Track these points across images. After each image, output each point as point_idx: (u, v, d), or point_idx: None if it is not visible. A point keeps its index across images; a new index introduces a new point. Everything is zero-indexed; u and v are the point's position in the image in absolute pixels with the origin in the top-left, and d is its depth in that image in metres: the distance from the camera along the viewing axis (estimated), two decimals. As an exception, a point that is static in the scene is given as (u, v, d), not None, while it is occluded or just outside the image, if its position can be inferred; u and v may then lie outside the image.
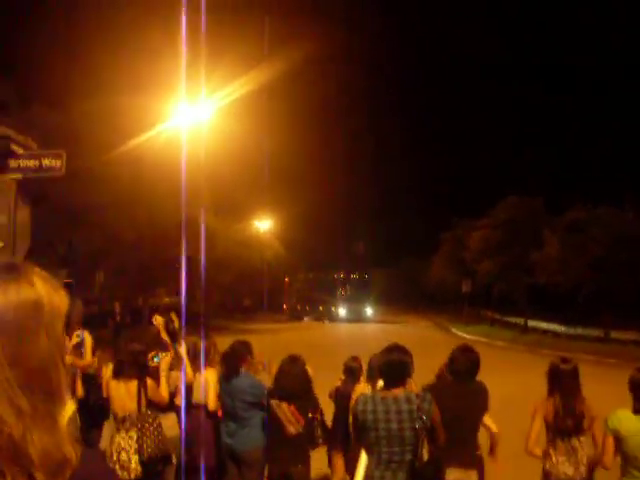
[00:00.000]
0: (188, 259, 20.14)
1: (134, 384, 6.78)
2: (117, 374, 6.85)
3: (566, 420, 5.85)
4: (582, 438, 5.85)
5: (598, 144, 68.59)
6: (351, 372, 8.17)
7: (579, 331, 35.99)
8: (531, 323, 41.76)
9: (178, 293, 30.45)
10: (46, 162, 7.71)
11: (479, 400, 6.00)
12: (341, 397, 7.60)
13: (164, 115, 22.54)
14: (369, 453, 5.24)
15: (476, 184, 76.36)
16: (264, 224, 49.29)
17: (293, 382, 6.76)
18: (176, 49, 18.99)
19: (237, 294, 53.71)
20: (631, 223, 36.96)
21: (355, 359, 8.38)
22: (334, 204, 56.63)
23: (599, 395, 6.81)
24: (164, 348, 8.76)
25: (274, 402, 6.68)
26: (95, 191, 22.39)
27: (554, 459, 5.91)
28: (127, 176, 23.46)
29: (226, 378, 7.41)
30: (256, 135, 36.00)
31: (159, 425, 6.93)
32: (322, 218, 63.95)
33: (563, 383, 5.98)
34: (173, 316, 9.79)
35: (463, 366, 6.01)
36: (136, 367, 6.88)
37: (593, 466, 5.73)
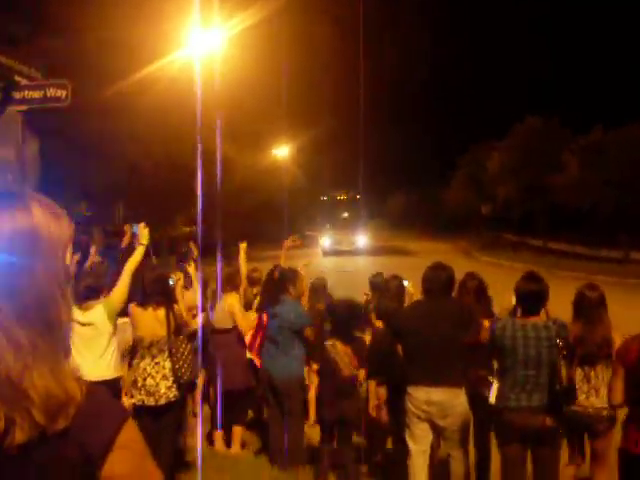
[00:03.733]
0: (204, 188, 20.15)
1: (162, 310, 6.80)
2: (144, 301, 6.86)
3: (585, 347, 5.82)
4: (605, 365, 5.80)
5: (619, 65, 67.35)
6: (376, 287, 8.31)
7: (599, 252, 35.85)
8: (551, 245, 41.60)
9: (196, 223, 30.52)
10: (51, 92, 7.63)
11: (453, 317, 5.95)
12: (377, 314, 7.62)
13: (178, 43, 22.24)
14: (504, 375, 5.55)
15: (496, 106, 75.14)
16: (282, 151, 48.98)
17: (348, 323, 6.90)
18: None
19: (258, 222, 53.82)
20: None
21: (378, 274, 8.57)
22: (352, 128, 55.65)
23: (621, 317, 6.78)
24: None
25: (329, 343, 6.74)
26: (110, 122, 22.27)
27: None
28: (142, 106, 23.26)
29: (271, 304, 7.56)
30: (273, 62, 35.47)
31: (191, 349, 7.00)
32: (341, 142, 63.10)
33: (588, 310, 5.95)
34: (192, 245, 9.87)
35: (434, 284, 5.99)
36: (163, 294, 6.92)
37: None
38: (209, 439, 8.46)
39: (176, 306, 7.06)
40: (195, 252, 9.66)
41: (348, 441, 6.89)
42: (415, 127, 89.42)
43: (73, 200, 25.92)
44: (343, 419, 6.75)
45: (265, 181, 43.16)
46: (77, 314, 6.41)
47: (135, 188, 28.51)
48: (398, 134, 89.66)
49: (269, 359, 7.53)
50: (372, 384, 7.04)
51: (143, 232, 6.82)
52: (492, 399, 5.71)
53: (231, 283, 8.26)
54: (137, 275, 6.92)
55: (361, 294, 8.92)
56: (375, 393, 7.05)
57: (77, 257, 8.62)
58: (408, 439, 6.06)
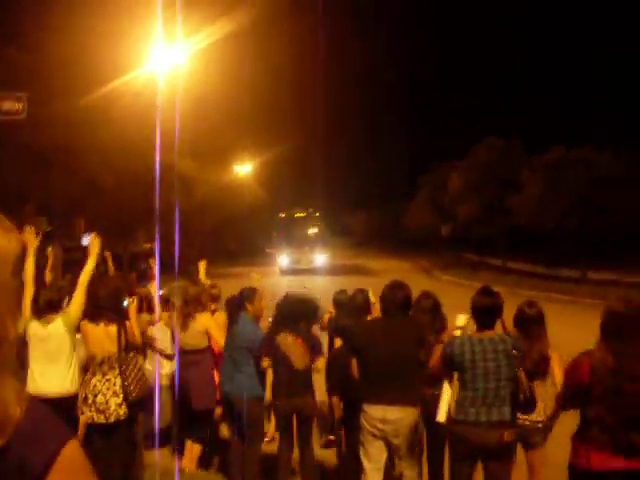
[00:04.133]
0: (166, 204, 20.06)
1: (113, 327, 6.78)
2: (95, 317, 6.82)
3: (526, 363, 5.88)
4: (540, 381, 5.95)
5: (576, 85, 68.46)
6: (339, 305, 8.33)
7: (558, 272, 36.22)
8: (510, 264, 41.94)
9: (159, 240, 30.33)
10: (6, 105, 7.55)
11: (410, 336, 6.01)
12: (335, 330, 7.65)
13: (140, 58, 22.18)
14: (463, 390, 5.57)
15: (455, 127, 75.89)
16: (244, 168, 48.89)
17: (296, 310, 6.96)
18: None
19: (219, 239, 53.59)
20: (607, 163, 37.09)
21: (342, 291, 8.60)
22: (314, 147, 55.84)
23: (574, 336, 6.87)
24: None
25: (280, 336, 6.74)
26: (71, 136, 22.10)
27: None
28: (103, 121, 23.14)
29: (231, 322, 7.60)
30: (236, 78, 35.52)
31: (141, 367, 7.00)
32: (302, 160, 63.25)
33: (528, 327, 6.07)
34: (152, 262, 9.84)
35: (392, 304, 6.04)
36: (115, 310, 6.91)
37: (555, 407, 5.78)
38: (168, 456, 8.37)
39: (128, 323, 7.02)
40: (154, 269, 9.62)
41: (307, 441, 6.88)
42: (377, 146, 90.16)
43: (33, 214, 25.61)
44: (299, 414, 6.75)
45: (227, 198, 42.99)
46: (37, 328, 6.48)
47: (96, 203, 28.26)
48: (361, 152, 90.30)
49: (226, 377, 7.51)
50: (335, 399, 7.07)
51: (94, 242, 6.86)
52: (441, 417, 5.74)
53: (199, 303, 8.20)
54: (92, 288, 6.92)
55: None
56: (338, 407, 7.09)
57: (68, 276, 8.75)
58: (362, 457, 6.07)
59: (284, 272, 42.15)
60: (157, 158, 19.25)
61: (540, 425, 5.91)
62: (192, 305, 8.03)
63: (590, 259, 34.65)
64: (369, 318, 7.19)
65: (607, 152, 37.64)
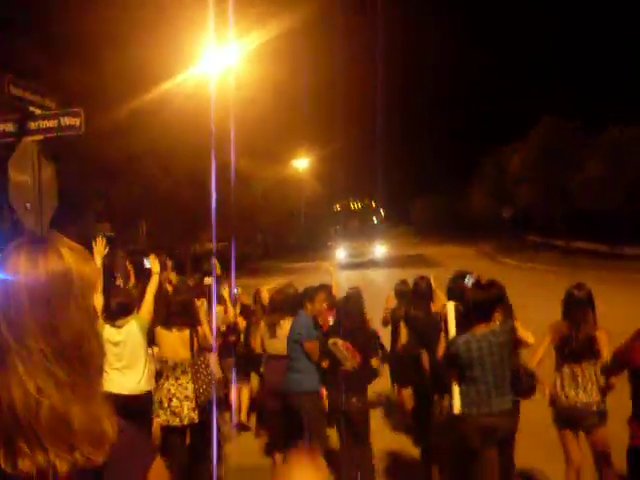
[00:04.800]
0: (221, 205, 20.29)
1: (186, 332, 7.02)
2: (169, 323, 7.08)
3: (572, 345, 5.96)
4: (590, 363, 5.94)
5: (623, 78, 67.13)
6: (402, 295, 8.35)
7: (622, 250, 35.65)
8: (573, 245, 41.41)
9: (222, 239, 30.64)
10: (65, 121, 7.77)
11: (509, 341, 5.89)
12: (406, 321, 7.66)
13: (193, 60, 22.48)
14: (473, 385, 5.67)
15: (513, 108, 74.90)
16: (302, 163, 49.11)
17: (346, 319, 6.96)
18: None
19: (281, 235, 53.97)
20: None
21: (403, 282, 8.62)
22: (370, 138, 55.65)
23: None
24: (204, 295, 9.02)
25: (331, 340, 6.83)
26: (127, 143, 22.49)
27: (556, 386, 6.07)
28: (158, 125, 23.49)
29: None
30: (289, 78, 35.67)
31: (211, 371, 7.23)
32: (359, 152, 63.11)
33: (575, 309, 6.08)
34: (215, 262, 10.01)
35: (483, 306, 5.86)
36: (187, 316, 7.13)
37: (604, 390, 5.85)
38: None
39: (200, 328, 7.22)
40: (218, 268, 9.81)
41: (361, 440, 6.93)
42: (434, 133, 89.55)
43: (94, 222, 26.19)
44: (347, 414, 6.79)
45: (286, 193, 43.30)
46: (111, 333, 6.71)
47: (156, 206, 28.71)
48: (417, 140, 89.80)
49: (285, 376, 7.51)
50: (406, 392, 7.13)
51: (154, 263, 7.20)
52: (456, 410, 5.81)
53: (284, 307, 8.08)
54: (159, 300, 7.31)
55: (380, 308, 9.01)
56: (409, 400, 7.14)
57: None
58: None
59: (343, 266, 39.15)
60: (213, 157, 19.48)
61: (594, 407, 5.89)
62: (278, 312, 8.03)
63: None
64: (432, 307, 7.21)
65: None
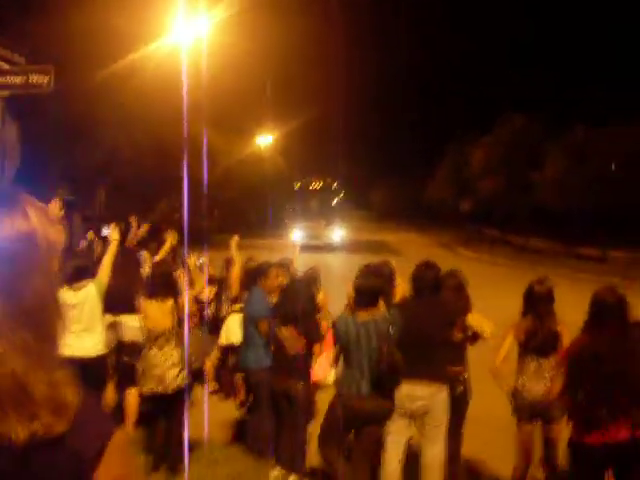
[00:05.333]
0: (189, 177, 20.06)
1: (168, 303, 7.08)
2: (151, 295, 7.13)
3: (537, 339, 6.03)
4: (553, 358, 5.99)
5: (604, 64, 67.81)
6: None
7: (578, 250, 36.10)
8: (531, 242, 41.84)
9: (178, 210, 30.38)
10: (33, 79, 7.56)
11: (440, 316, 6.16)
12: None
13: (164, 30, 22.14)
14: (348, 365, 6.03)
15: (480, 99, 75.22)
16: (266, 140, 48.77)
17: (290, 302, 6.94)
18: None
19: (239, 210, 53.69)
20: (630, 140, 36.82)
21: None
22: (335, 119, 55.51)
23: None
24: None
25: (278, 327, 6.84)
26: (93, 107, 22.16)
27: (522, 378, 6.11)
28: (126, 93, 23.16)
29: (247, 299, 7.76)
30: (257, 52, 35.37)
31: (200, 338, 7.69)
32: (323, 133, 62.76)
33: (537, 303, 6.12)
34: (171, 233, 9.94)
35: (422, 283, 6.18)
36: (168, 287, 7.21)
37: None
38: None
39: (180, 298, 7.29)
40: (174, 239, 9.73)
41: (294, 422, 6.91)
42: (399, 119, 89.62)
43: (54, 184, 25.74)
44: (288, 396, 6.79)
45: (248, 169, 43.02)
46: (68, 296, 6.68)
47: (117, 173, 28.38)
48: (382, 126, 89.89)
49: (241, 352, 7.71)
50: None
51: (114, 231, 7.33)
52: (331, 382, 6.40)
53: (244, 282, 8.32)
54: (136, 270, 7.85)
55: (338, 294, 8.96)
56: None
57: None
58: (386, 434, 6.11)
59: (291, 250, 35.57)
60: (185, 127, 19.15)
61: (558, 400, 5.93)
62: (252, 282, 8.07)
63: (610, 237, 34.51)
64: (397, 295, 7.19)
65: (630, 128, 37.35)
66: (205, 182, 23.44)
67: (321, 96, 57.12)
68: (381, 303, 6.12)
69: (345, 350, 6.04)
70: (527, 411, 6.09)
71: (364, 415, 5.97)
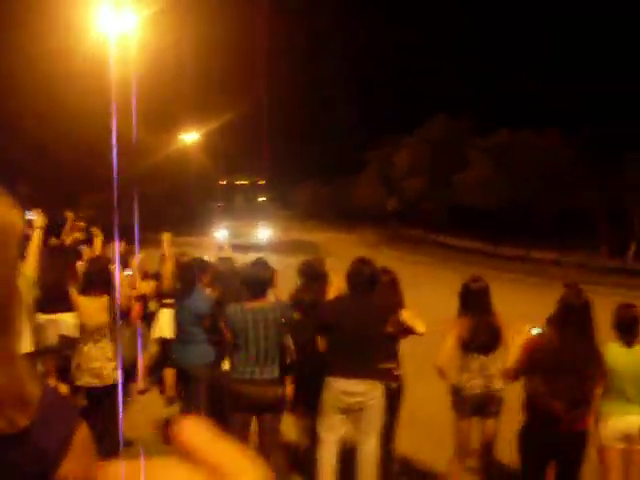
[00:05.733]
0: (106, 172, 19.81)
1: (104, 298, 7.03)
2: (86, 290, 7.10)
3: (480, 337, 6.11)
4: (496, 353, 6.13)
5: (527, 70, 69.19)
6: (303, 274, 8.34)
7: (501, 250, 36.85)
8: (454, 242, 42.47)
9: (101, 207, 29.90)
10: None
11: (376, 312, 6.17)
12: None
13: (91, 24, 21.79)
14: (237, 351, 6.21)
15: (405, 102, 76.09)
16: (191, 137, 48.37)
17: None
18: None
19: (164, 207, 53.10)
20: (552, 147, 37.87)
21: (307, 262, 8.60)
22: (261, 118, 55.33)
23: (520, 314, 7.01)
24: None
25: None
26: (15, 97, 21.64)
27: (465, 375, 6.17)
28: (50, 86, 22.69)
29: (182, 294, 7.68)
30: (184, 49, 35.10)
31: (133, 334, 7.65)
32: (249, 131, 62.56)
33: (475, 301, 6.21)
34: (95, 230, 9.79)
35: (358, 279, 6.17)
36: (104, 283, 7.17)
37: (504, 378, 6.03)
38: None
39: (115, 294, 7.23)
40: (100, 236, 9.59)
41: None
42: (325, 118, 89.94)
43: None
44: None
45: (173, 166, 42.60)
46: None
47: (38, 168, 27.76)
48: (308, 125, 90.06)
49: (177, 350, 7.74)
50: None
51: (38, 217, 6.93)
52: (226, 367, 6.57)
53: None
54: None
55: None
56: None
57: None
58: (321, 429, 6.15)
59: (222, 248, 32.87)
60: (114, 123, 18.81)
61: (501, 394, 6.10)
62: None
63: (532, 238, 35.40)
64: (330, 292, 7.23)
65: (551, 135, 38.38)
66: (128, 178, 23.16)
67: (247, 93, 56.99)
68: (271, 294, 6.63)
69: (235, 337, 6.20)
70: (467, 408, 6.14)
71: (255, 400, 6.13)
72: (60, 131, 26.15)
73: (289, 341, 6.45)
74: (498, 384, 6.07)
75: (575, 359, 5.26)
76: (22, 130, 24.10)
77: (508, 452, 6.15)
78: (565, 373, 5.20)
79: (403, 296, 6.90)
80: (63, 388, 7.78)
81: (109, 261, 8.01)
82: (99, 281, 7.13)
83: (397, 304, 6.68)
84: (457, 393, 6.21)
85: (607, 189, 37.45)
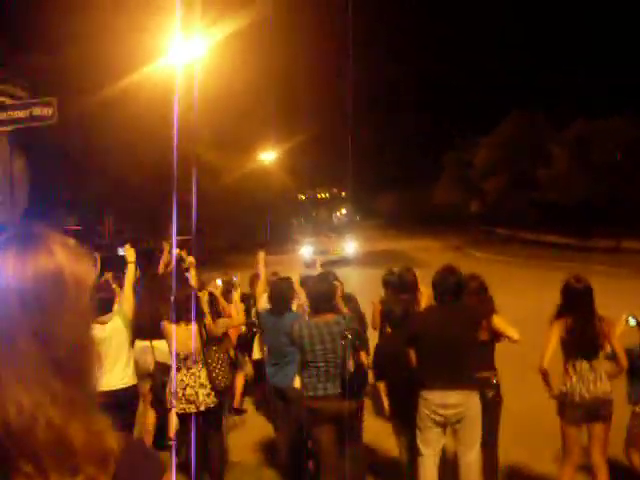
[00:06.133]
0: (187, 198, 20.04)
1: (193, 326, 7.10)
2: (177, 319, 7.13)
3: (582, 340, 5.88)
4: (600, 356, 5.89)
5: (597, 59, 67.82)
6: (389, 285, 8.30)
7: (590, 243, 35.99)
8: (542, 237, 41.69)
9: (189, 232, 30.29)
10: (37, 111, 7.52)
11: (465, 320, 6.04)
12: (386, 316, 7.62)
13: (159, 52, 22.16)
14: (307, 368, 6.20)
15: (479, 101, 75.27)
16: (269, 155, 48.75)
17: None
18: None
19: (248, 227, 53.62)
20: (630, 130, 36.86)
21: (391, 272, 8.61)
22: (338, 132, 55.48)
23: (612, 306, 6.73)
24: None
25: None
26: (94, 135, 22.18)
27: (570, 380, 5.93)
28: (125, 118, 23.18)
29: (276, 315, 7.58)
30: (257, 68, 35.43)
31: (224, 358, 7.42)
32: (327, 146, 62.82)
33: (577, 302, 5.97)
34: (183, 254, 9.86)
35: (445, 288, 6.05)
36: (192, 310, 7.16)
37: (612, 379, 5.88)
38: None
39: (206, 320, 7.35)
40: (186, 261, 9.67)
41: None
42: (401, 126, 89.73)
43: (63, 214, 25.76)
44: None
45: (253, 186, 42.96)
46: (95, 329, 6.48)
47: (124, 200, 28.37)
48: (384, 134, 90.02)
49: (273, 372, 7.61)
50: (381, 385, 7.01)
51: (129, 252, 7.36)
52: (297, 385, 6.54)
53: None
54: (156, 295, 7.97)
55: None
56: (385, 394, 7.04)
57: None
58: (420, 444, 6.04)
59: (309, 265, 31.22)
60: (175, 150, 19.08)
61: (611, 396, 5.86)
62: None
63: (622, 228, 34.46)
64: (422, 302, 7.14)
65: (628, 119, 37.34)
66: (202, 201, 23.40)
67: (323, 110, 57.27)
68: (337, 307, 6.55)
69: (302, 354, 6.22)
70: (578, 414, 5.91)
71: (328, 415, 6.13)
72: (140, 162, 26.67)
73: (358, 354, 6.40)
74: (607, 387, 5.86)
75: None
76: (103, 165, 24.66)
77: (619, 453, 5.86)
78: None
79: (493, 301, 6.73)
80: (151, 416, 7.98)
81: (197, 289, 8.07)
82: (187, 309, 7.12)
83: (487, 310, 6.52)
84: (565, 399, 5.98)
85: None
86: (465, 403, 5.84)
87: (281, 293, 7.65)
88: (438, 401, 5.86)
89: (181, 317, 7.14)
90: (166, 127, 24.36)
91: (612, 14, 77.89)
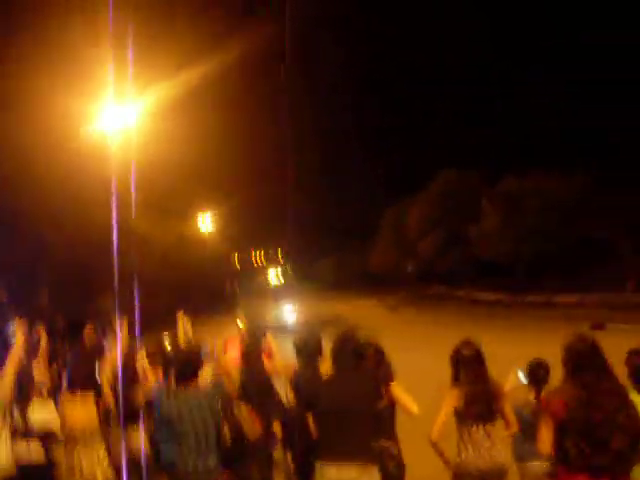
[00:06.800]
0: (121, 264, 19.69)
1: (90, 400, 6.93)
2: (72, 391, 6.96)
3: (475, 407, 5.70)
4: (495, 423, 5.74)
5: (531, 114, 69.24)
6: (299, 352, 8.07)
7: (524, 299, 36.44)
8: (475, 295, 42.10)
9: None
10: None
11: (361, 387, 5.68)
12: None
13: (92, 118, 21.97)
14: (177, 444, 5.71)
15: (410, 161, 76.14)
16: (204, 219, 48.56)
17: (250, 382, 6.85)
18: (101, 49, 18.52)
19: (183, 294, 52.99)
20: (559, 189, 37.76)
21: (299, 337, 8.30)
22: (273, 195, 55.59)
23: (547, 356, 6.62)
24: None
25: (235, 404, 6.67)
26: (18, 199, 21.74)
27: (466, 450, 5.73)
28: (51, 180, 22.81)
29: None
30: (191, 135, 35.37)
31: (120, 434, 7.20)
32: (263, 209, 62.90)
33: (467, 369, 5.84)
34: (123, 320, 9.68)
35: (341, 355, 5.78)
36: (90, 383, 7.13)
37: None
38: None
39: (104, 393, 7.16)
40: (125, 329, 9.49)
41: None
42: (336, 191, 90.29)
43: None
44: None
45: (189, 250, 42.67)
46: None
47: (50, 268, 27.79)
48: (320, 198, 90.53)
49: None
50: (288, 454, 6.83)
51: (19, 328, 6.68)
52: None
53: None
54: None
55: None
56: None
57: None
58: None
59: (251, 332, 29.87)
60: (114, 217, 18.83)
61: (507, 466, 5.75)
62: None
63: (552, 282, 35.10)
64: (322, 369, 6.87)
65: (558, 177, 38.21)
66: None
67: (259, 174, 57.40)
68: (203, 375, 6.17)
69: (167, 426, 5.81)
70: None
71: None
72: (66, 231, 26.21)
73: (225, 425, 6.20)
74: (502, 456, 5.71)
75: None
76: (29, 231, 24.16)
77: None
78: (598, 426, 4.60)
79: (390, 367, 6.52)
80: None
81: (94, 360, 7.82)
82: (82, 383, 6.98)
83: (384, 376, 6.31)
84: (459, 470, 5.76)
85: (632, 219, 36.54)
86: (362, 477, 5.40)
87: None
88: (332, 475, 5.44)
89: (75, 390, 6.92)
90: (93, 196, 24.05)
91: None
